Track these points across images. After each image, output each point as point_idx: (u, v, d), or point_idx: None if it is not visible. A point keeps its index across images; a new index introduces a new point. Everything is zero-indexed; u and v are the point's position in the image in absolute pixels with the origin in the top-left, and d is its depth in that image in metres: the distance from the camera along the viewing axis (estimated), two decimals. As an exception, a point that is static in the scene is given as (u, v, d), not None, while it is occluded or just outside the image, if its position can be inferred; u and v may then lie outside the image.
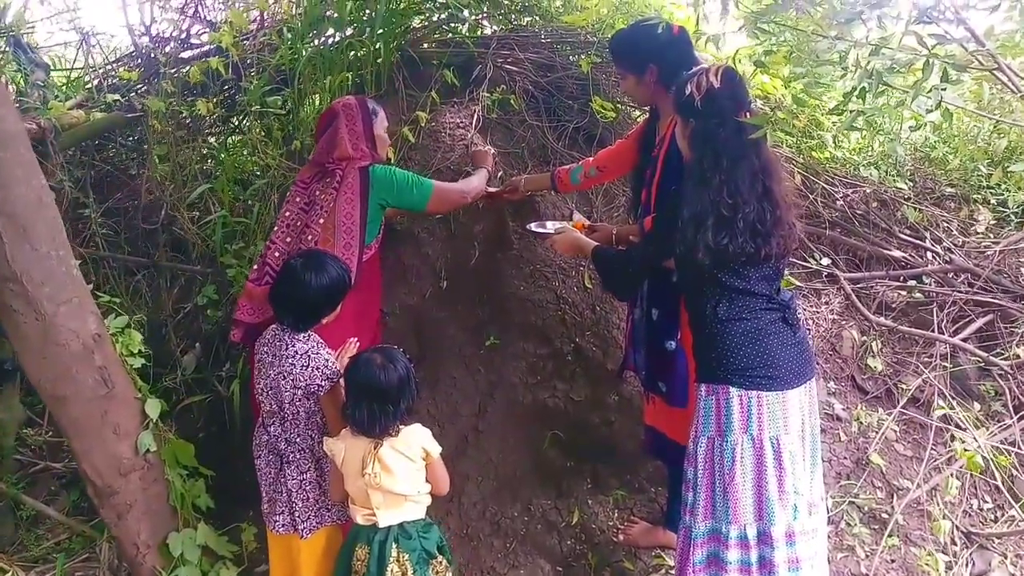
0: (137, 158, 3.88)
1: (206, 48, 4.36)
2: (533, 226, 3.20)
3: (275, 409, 2.49)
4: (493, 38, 4.31)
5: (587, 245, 2.77)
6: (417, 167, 3.88)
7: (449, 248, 3.64)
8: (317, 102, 3.99)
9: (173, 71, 3.91)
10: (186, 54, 4.39)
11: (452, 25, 4.50)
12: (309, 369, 2.42)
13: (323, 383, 2.43)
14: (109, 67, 4.17)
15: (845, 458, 3.56)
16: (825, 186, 4.38)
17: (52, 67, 4.22)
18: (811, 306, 4.08)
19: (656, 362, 2.86)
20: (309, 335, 2.50)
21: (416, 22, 4.49)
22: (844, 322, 4.01)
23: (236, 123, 4.12)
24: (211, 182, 3.82)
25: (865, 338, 3.97)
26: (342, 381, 2.43)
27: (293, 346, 2.46)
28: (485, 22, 4.69)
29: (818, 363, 3.87)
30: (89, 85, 4.13)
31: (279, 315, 2.51)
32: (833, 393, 3.78)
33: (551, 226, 3.16)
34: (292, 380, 2.43)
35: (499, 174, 3.88)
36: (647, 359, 2.90)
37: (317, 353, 2.45)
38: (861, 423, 3.65)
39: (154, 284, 4.13)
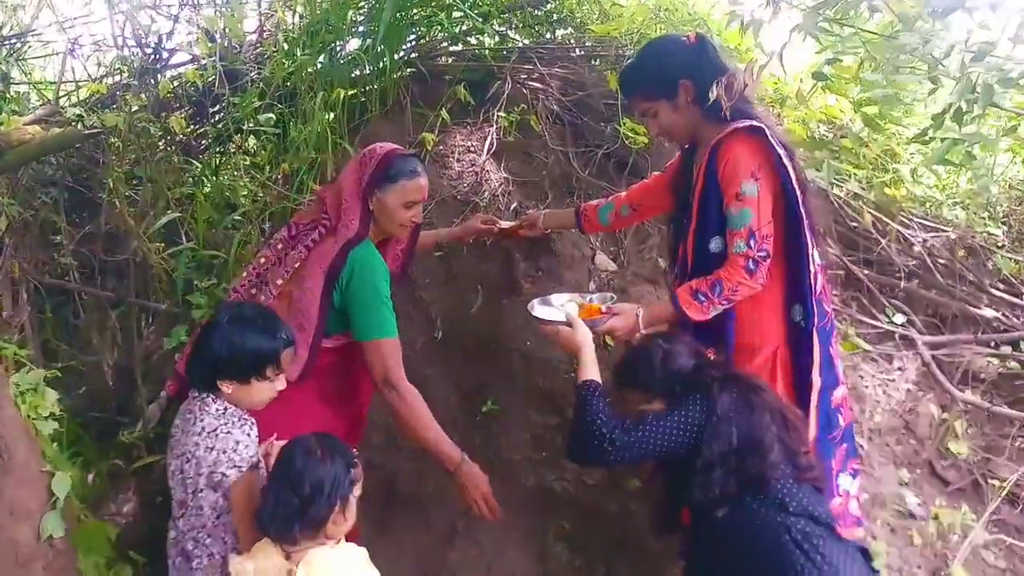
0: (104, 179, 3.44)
1: (200, 60, 3.92)
2: (537, 309, 2.49)
3: (183, 499, 1.96)
4: (514, 51, 3.78)
5: (585, 366, 2.18)
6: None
7: (448, 292, 3.11)
8: (313, 121, 3.49)
9: (145, 84, 3.47)
10: (180, 67, 3.95)
11: (470, 37, 3.99)
12: (214, 452, 1.90)
13: (227, 471, 1.89)
14: (88, 80, 3.74)
15: (919, 567, 2.88)
16: (900, 229, 3.73)
17: (30, 79, 3.85)
18: (881, 372, 3.42)
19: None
20: (225, 408, 1.98)
21: (429, 33, 4.01)
22: (921, 394, 3.34)
23: (213, 142, 3.64)
24: (182, 210, 3.35)
25: (947, 415, 3.28)
26: (261, 474, 1.88)
27: (202, 420, 1.94)
28: (511, 34, 4.18)
29: (888, 445, 3.21)
30: (62, 98, 3.73)
31: (187, 371, 2.02)
32: (905, 483, 3.11)
33: (557, 304, 2.52)
34: (195, 463, 1.91)
35: (513, 206, 3.34)
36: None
37: (228, 432, 1.93)
38: (941, 523, 2.97)
39: (127, 322, 3.67)
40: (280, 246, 2.37)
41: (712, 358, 2.15)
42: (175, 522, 2.01)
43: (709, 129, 2.26)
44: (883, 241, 3.67)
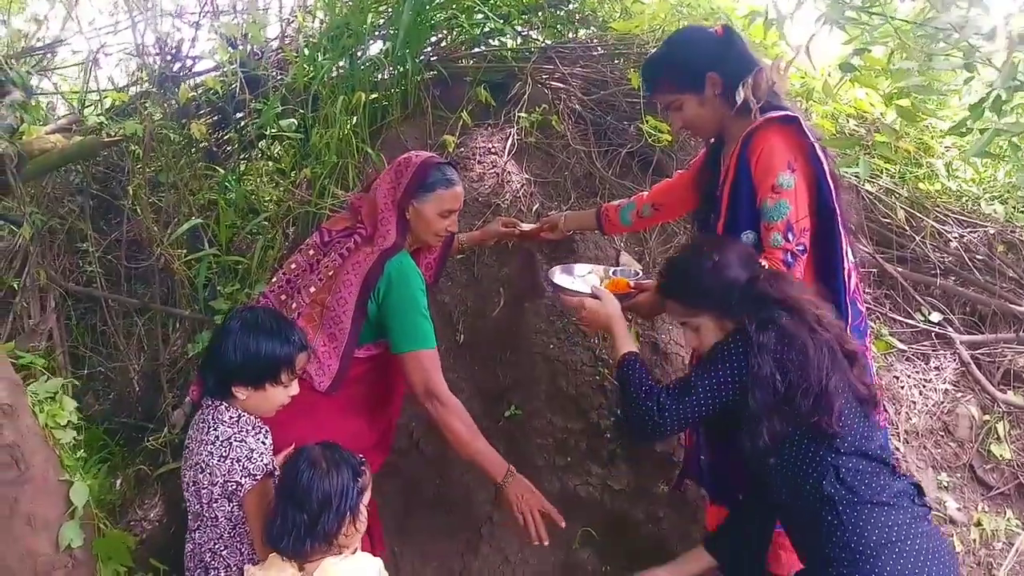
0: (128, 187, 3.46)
1: (222, 67, 3.93)
2: (556, 275, 2.38)
3: (198, 510, 1.94)
4: (534, 51, 3.73)
5: (620, 339, 2.07)
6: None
7: (469, 294, 3.06)
8: (335, 125, 3.47)
9: (167, 91, 3.47)
10: (202, 75, 3.96)
11: (491, 39, 3.95)
12: (228, 461, 1.87)
13: (242, 480, 1.86)
14: (112, 89, 3.77)
15: None
16: (935, 225, 3.62)
17: (57, 89, 3.89)
18: (917, 372, 3.31)
19: (734, 465, 2.16)
20: (239, 416, 1.95)
21: (450, 36, 3.98)
22: (960, 395, 3.23)
23: (236, 148, 3.64)
24: (205, 216, 3.35)
25: (987, 417, 3.17)
26: (273, 483, 1.85)
27: (215, 428, 1.92)
28: (532, 34, 4.13)
29: (926, 448, 3.10)
30: (89, 108, 3.76)
31: (201, 377, 2.00)
32: (945, 487, 3.00)
33: (579, 275, 2.42)
34: (209, 473, 1.88)
35: (535, 207, 3.29)
36: (719, 462, 2.23)
37: (241, 441, 1.90)
38: (984, 529, 2.86)
39: (153, 328, 3.69)
40: (312, 252, 2.32)
41: (767, 269, 1.96)
42: (191, 534, 1.98)
43: (737, 122, 2.19)
44: (917, 238, 3.56)
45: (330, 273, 2.22)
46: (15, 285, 3.20)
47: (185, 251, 3.26)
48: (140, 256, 3.54)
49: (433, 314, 2.99)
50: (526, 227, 2.84)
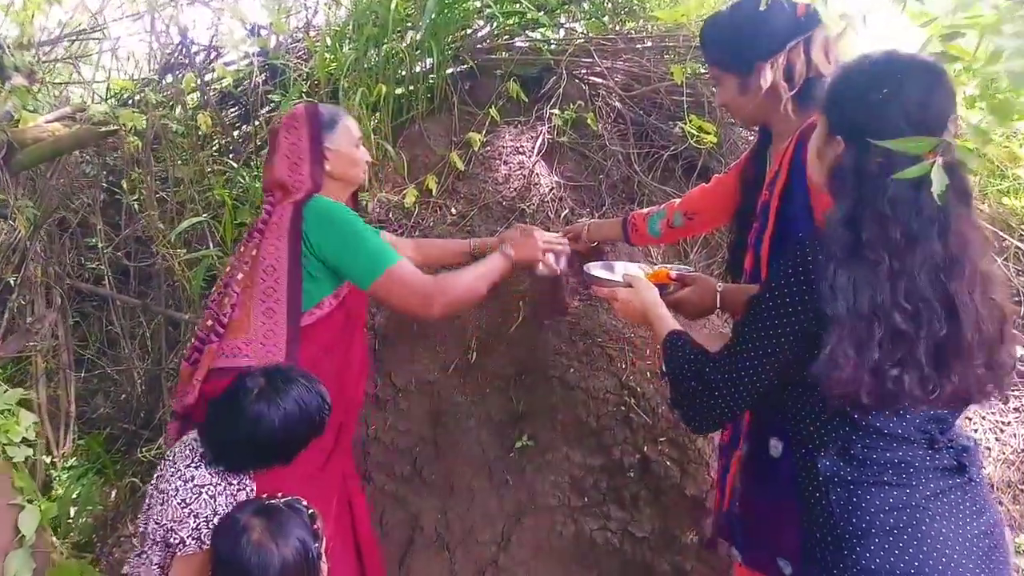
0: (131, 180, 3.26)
1: (244, 56, 3.73)
2: (594, 268, 2.10)
3: (144, 533, 1.69)
4: (572, 42, 3.43)
5: (660, 320, 1.73)
6: (463, 201, 3.06)
7: (484, 309, 2.76)
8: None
9: (177, 79, 3.27)
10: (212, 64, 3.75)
11: (528, 31, 3.66)
12: (186, 509, 1.61)
13: (186, 539, 1.60)
14: (122, 77, 3.59)
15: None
16: (1020, 246, 3.18)
17: (69, 77, 3.74)
18: (993, 415, 2.89)
19: (774, 525, 1.82)
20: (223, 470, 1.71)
21: (487, 26, 3.70)
22: (1047, 443, 2.81)
23: (253, 141, 3.42)
24: (215, 214, 3.13)
25: (1079, 470, 2.74)
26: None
27: (196, 468, 1.69)
28: (575, 26, 3.82)
29: (1002, 503, 2.69)
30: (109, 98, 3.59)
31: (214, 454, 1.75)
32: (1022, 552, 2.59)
33: (620, 270, 2.10)
34: (164, 509, 1.63)
35: (564, 213, 2.99)
36: (756, 520, 1.89)
37: (211, 498, 1.65)
38: (1072, 604, 2.44)
39: (159, 330, 3.50)
40: (241, 248, 2.17)
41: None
42: (132, 558, 1.74)
43: (788, 119, 1.85)
44: (998, 260, 3.13)
45: (253, 252, 2.07)
46: (12, 282, 3.04)
47: (186, 251, 3.04)
48: (145, 254, 3.35)
49: (443, 329, 2.76)
50: (548, 235, 2.53)
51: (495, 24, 3.62)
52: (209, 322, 2.08)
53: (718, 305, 1.85)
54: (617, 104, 3.27)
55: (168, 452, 1.85)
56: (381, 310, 2.87)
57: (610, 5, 3.77)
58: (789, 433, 1.62)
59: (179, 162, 3.26)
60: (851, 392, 1.32)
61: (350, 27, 3.50)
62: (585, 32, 3.68)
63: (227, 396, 1.74)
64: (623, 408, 2.53)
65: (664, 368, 1.67)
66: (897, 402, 1.34)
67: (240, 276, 2.05)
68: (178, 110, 3.46)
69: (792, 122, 1.86)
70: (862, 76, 1.41)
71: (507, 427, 2.59)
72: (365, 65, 3.35)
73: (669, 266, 2.06)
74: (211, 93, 3.50)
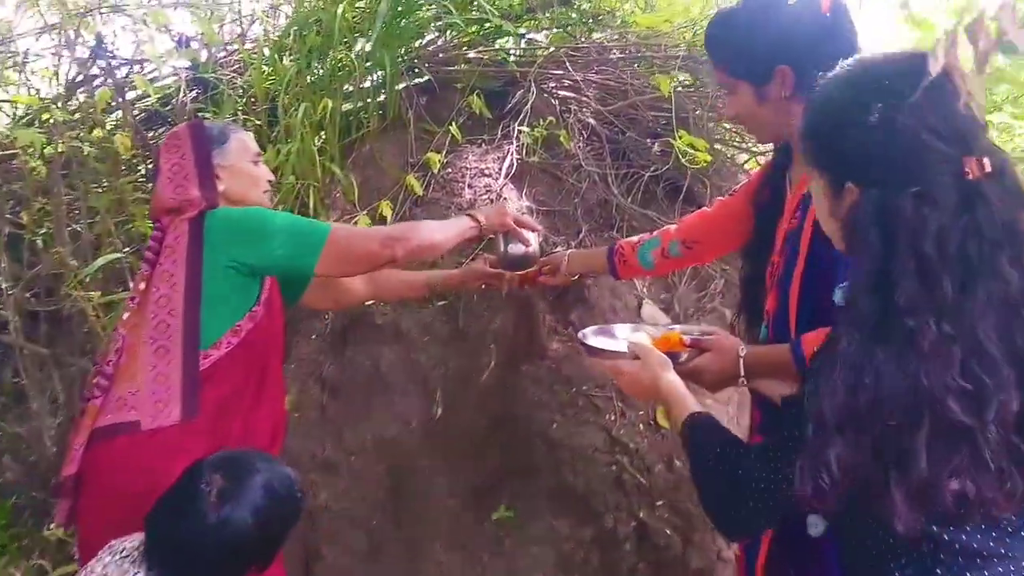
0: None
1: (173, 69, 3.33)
2: (590, 336, 1.68)
3: None
4: (540, 53, 3.12)
5: (677, 401, 1.37)
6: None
7: (451, 353, 2.42)
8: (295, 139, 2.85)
9: (85, 97, 2.87)
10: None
11: (489, 40, 3.34)
12: None
13: None
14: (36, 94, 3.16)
15: None
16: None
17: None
18: None
19: None
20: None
21: (443, 36, 3.37)
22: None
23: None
24: (137, 249, 2.73)
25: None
26: None
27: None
28: (538, 37, 3.52)
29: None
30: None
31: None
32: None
33: (621, 336, 1.73)
34: None
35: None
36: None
37: None
38: None
39: (71, 385, 3.05)
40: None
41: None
42: None
43: None
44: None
45: (141, 286, 1.79)
46: None
47: (101, 293, 2.62)
48: (56, 297, 2.91)
49: (404, 379, 2.39)
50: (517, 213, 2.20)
51: (453, 33, 3.30)
52: (95, 378, 1.75)
53: (742, 373, 1.51)
54: (591, 120, 2.96)
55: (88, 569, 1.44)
56: (328, 357, 2.50)
57: (576, 14, 3.48)
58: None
59: (95, 190, 2.84)
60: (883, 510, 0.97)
61: (291, 37, 3.13)
62: (548, 45, 3.38)
63: (178, 503, 1.39)
64: (614, 468, 2.19)
65: (688, 450, 1.33)
66: (967, 521, 1.00)
67: (127, 316, 1.77)
68: (97, 131, 3.04)
69: None
70: (841, 104, 1.08)
71: (481, 494, 2.23)
72: (308, 79, 2.99)
73: (678, 327, 1.71)
74: (133, 112, 3.09)
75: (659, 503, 2.17)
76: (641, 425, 2.25)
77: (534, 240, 2.16)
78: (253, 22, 3.45)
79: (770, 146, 2.86)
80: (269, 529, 1.39)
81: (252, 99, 3.10)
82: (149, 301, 1.76)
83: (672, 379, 1.40)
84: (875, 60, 1.08)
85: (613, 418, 2.24)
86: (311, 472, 2.34)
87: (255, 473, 1.40)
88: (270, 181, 2.01)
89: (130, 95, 3.29)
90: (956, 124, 1.00)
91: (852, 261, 1.06)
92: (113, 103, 3.11)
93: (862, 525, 1.06)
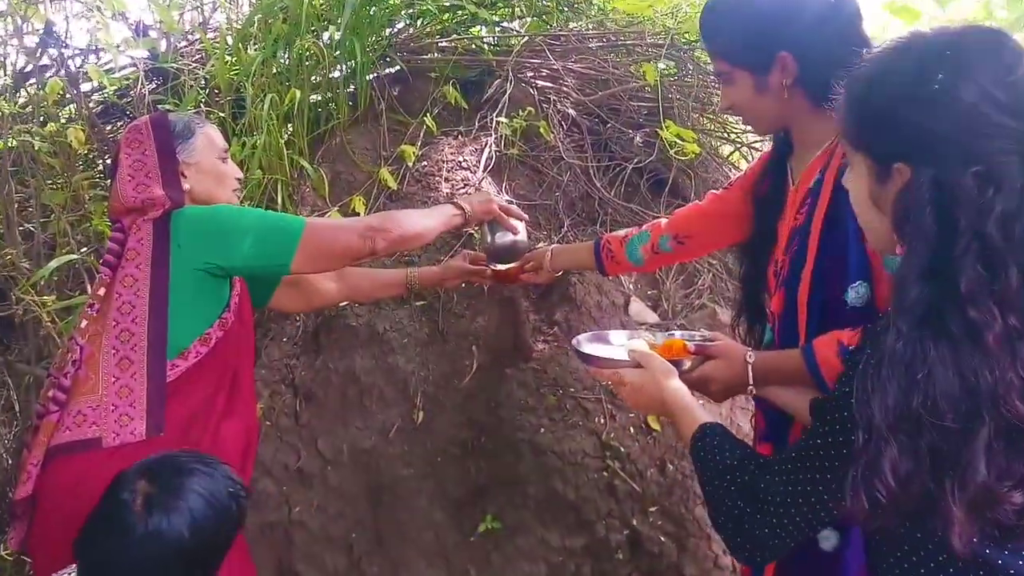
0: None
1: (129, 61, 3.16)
2: (585, 344, 1.58)
3: None
4: (518, 41, 3.01)
5: (685, 411, 1.28)
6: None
7: (431, 355, 2.30)
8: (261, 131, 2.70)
9: (31, 89, 2.70)
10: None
11: (464, 27, 3.22)
12: None
13: None
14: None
15: None
16: None
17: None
18: None
19: None
20: None
21: (414, 24, 3.24)
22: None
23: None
24: (88, 249, 2.57)
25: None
26: None
27: None
28: (513, 26, 3.40)
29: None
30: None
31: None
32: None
33: (616, 342, 1.61)
34: None
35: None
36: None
37: None
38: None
39: (27, 395, 2.88)
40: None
41: None
42: None
43: (820, 122, 1.46)
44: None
45: (101, 292, 1.66)
46: None
47: (55, 296, 2.46)
48: (8, 301, 2.74)
49: (382, 383, 2.28)
50: (501, 266, 2.08)
51: (426, 20, 3.17)
52: (49, 391, 1.61)
53: (751, 382, 1.41)
54: (571, 111, 2.86)
55: None
56: (301, 361, 2.37)
57: (551, 2, 3.37)
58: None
59: (49, 187, 2.67)
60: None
61: (255, 26, 2.98)
62: (525, 33, 3.27)
63: (102, 520, 1.25)
64: (605, 474, 2.09)
65: (696, 465, 1.23)
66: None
67: (84, 324, 1.63)
68: (50, 125, 2.86)
69: (823, 127, 1.47)
70: (896, 73, 0.99)
71: (466, 505, 2.12)
72: (274, 69, 2.85)
73: (680, 333, 1.60)
74: (88, 104, 2.92)
75: (652, 509, 2.07)
76: (632, 428, 2.15)
77: (522, 229, 2.06)
78: (215, 10, 3.29)
79: (757, 137, 2.82)
80: (207, 537, 1.25)
81: (216, 90, 2.95)
82: (110, 308, 1.64)
83: (678, 388, 1.30)
84: (937, 32, 0.99)
85: (603, 421, 2.14)
86: (284, 484, 2.22)
87: (187, 476, 1.28)
88: (238, 179, 1.89)
89: (85, 87, 3.13)
90: None
91: (904, 248, 0.96)
92: (67, 95, 2.94)
93: (904, 541, 0.97)
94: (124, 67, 3.17)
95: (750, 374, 1.41)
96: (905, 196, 0.97)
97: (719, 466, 1.16)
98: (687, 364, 1.41)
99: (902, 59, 1.00)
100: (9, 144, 2.60)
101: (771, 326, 1.56)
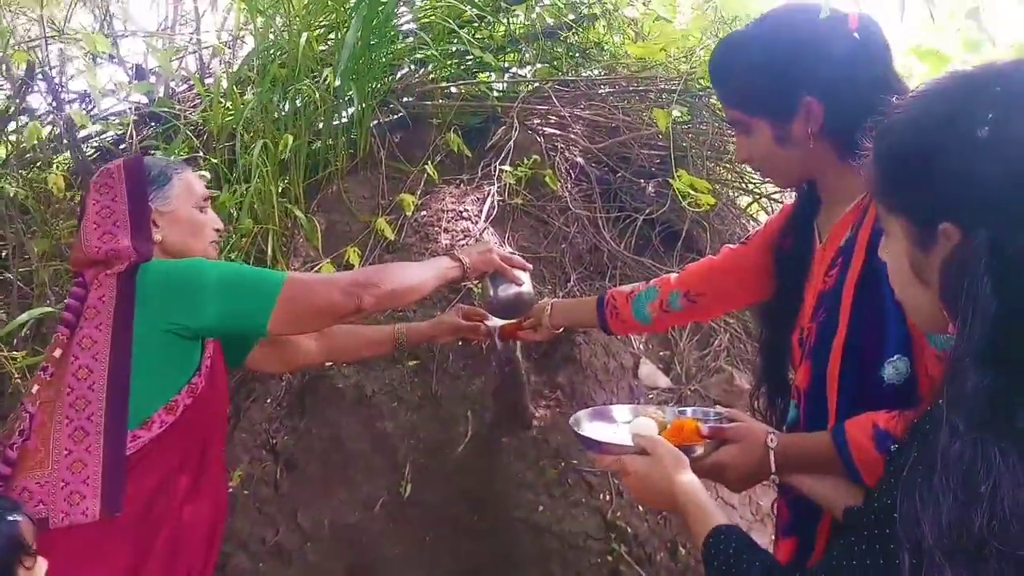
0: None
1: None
2: (584, 423, 1.39)
3: None
4: (525, 86, 2.89)
5: (697, 509, 1.08)
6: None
7: (422, 420, 2.12)
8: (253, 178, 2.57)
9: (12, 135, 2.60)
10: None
11: (469, 74, 3.11)
12: None
13: None
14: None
15: None
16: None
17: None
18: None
19: None
20: None
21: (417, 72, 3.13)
22: None
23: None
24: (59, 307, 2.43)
25: None
26: None
27: None
28: (522, 73, 3.29)
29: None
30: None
31: None
32: None
33: (620, 419, 1.42)
34: None
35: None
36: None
37: None
38: None
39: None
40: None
41: None
42: None
43: (849, 175, 1.28)
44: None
45: (56, 353, 1.50)
46: None
47: (25, 351, 2.32)
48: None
49: (368, 451, 2.10)
50: (497, 322, 1.90)
51: (432, 65, 3.06)
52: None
53: (774, 470, 1.22)
54: (579, 159, 2.72)
55: None
56: (284, 425, 2.20)
57: (561, 50, 3.26)
58: None
59: (31, 236, 2.56)
60: None
61: (253, 70, 2.89)
62: (534, 79, 3.15)
63: None
64: (610, 559, 1.88)
65: (706, 565, 1.04)
66: None
67: (36, 389, 1.47)
68: (34, 171, 2.76)
69: (853, 179, 1.29)
70: (937, 117, 0.82)
71: (456, 590, 1.92)
72: (272, 113, 2.74)
73: (691, 411, 1.41)
74: (80, 149, 2.82)
75: (663, 599, 1.86)
76: (640, 506, 1.95)
77: (527, 280, 1.87)
78: (214, 56, 3.21)
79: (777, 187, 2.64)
80: None
81: (213, 136, 2.84)
82: (66, 372, 1.47)
83: (689, 481, 1.11)
84: (982, 67, 0.82)
85: (608, 498, 1.95)
86: (261, 561, 2.03)
87: None
88: (218, 229, 1.74)
89: (84, 132, 3.04)
90: None
91: (957, 327, 0.78)
92: (65, 140, 2.84)
93: None
94: (121, 112, 3.08)
95: (772, 461, 1.21)
96: (955, 263, 0.79)
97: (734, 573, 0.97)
98: (700, 450, 1.22)
99: (942, 100, 0.83)
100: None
101: (795, 402, 1.37)
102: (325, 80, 2.72)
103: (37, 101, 3.08)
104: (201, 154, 2.79)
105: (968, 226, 0.76)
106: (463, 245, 2.45)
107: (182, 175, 1.66)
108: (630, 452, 1.19)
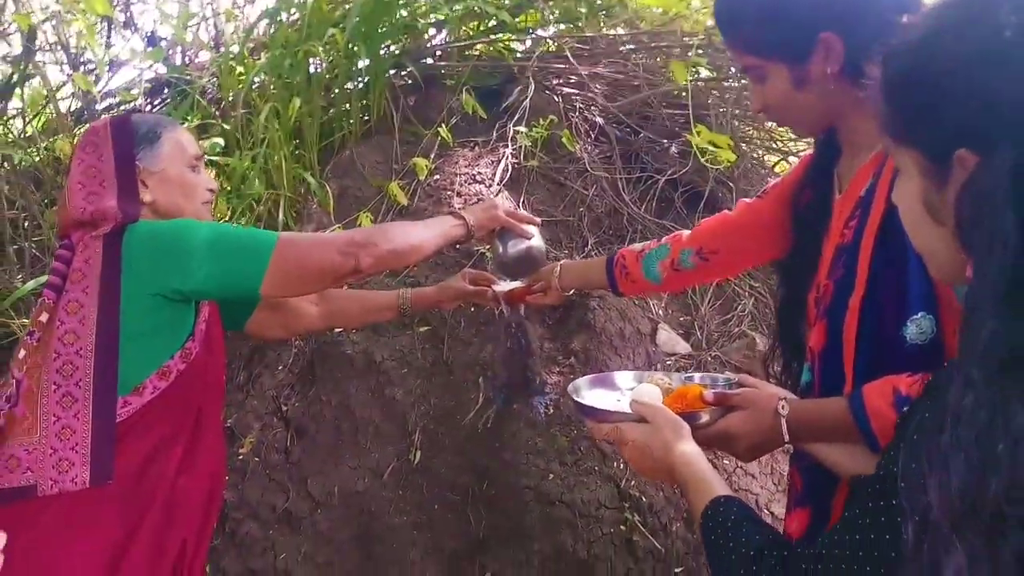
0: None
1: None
2: (583, 390, 1.31)
3: None
4: (537, 44, 2.80)
5: (696, 481, 1.01)
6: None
7: (433, 387, 2.08)
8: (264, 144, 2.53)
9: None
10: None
11: (485, 35, 3.02)
12: None
13: None
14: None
15: None
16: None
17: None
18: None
19: None
20: None
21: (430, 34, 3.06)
22: None
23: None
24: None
25: None
26: None
27: None
28: (542, 33, 3.19)
29: None
30: None
31: None
32: None
33: (624, 386, 1.34)
34: None
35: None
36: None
37: None
38: None
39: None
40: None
41: None
42: None
43: (872, 119, 1.18)
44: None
45: (42, 318, 1.44)
46: None
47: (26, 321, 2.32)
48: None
49: (377, 418, 2.06)
50: (505, 286, 1.81)
51: (447, 27, 2.98)
52: None
53: (787, 438, 1.13)
54: (598, 119, 2.63)
55: None
56: (295, 391, 2.17)
57: (585, 8, 3.14)
58: None
59: (40, 202, 2.55)
60: None
61: (263, 32, 2.84)
62: (553, 38, 3.05)
63: None
64: (623, 528, 1.82)
65: (709, 563, 0.97)
66: None
67: (23, 354, 1.42)
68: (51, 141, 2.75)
69: (876, 123, 1.19)
70: (949, 31, 0.72)
71: (462, 560, 1.87)
72: (282, 77, 2.69)
73: (697, 376, 1.32)
74: (95, 118, 2.80)
75: (677, 570, 1.80)
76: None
77: (536, 233, 1.76)
78: (228, 21, 3.16)
79: (808, 144, 2.52)
80: None
81: (229, 102, 2.80)
82: (52, 338, 1.43)
83: (689, 451, 1.03)
84: None
85: (622, 466, 1.88)
86: (271, 528, 2.01)
87: None
88: (211, 190, 1.69)
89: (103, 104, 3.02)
90: None
91: (974, 266, 0.70)
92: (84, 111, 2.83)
93: None
94: (134, 81, 3.06)
95: (784, 428, 1.13)
96: (971, 193, 0.70)
97: (733, 554, 0.90)
98: (704, 417, 1.14)
99: (952, 12, 0.73)
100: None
101: (809, 365, 1.28)
102: (339, 43, 2.66)
103: (54, 73, 3.09)
104: (216, 121, 2.75)
105: (987, 150, 0.67)
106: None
107: (172, 133, 1.59)
108: (629, 420, 1.12)
